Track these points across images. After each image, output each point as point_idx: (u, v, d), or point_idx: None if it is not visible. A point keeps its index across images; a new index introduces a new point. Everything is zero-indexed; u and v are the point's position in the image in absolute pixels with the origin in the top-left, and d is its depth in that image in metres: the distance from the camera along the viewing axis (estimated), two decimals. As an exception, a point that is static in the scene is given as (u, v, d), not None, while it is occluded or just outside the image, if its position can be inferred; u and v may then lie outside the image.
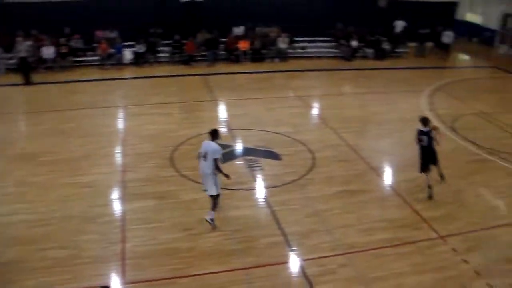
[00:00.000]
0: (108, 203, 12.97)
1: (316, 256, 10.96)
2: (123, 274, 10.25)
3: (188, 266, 10.47)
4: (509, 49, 33.06)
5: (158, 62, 26.63)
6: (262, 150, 16.28)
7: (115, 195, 13.38)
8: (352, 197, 13.52)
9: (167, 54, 27.06)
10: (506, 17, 33.45)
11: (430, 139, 13.17)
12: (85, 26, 26.10)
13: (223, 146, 15.48)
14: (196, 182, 13.84)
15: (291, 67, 27.11)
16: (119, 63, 25.67)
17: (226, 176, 11.74)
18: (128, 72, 25.07)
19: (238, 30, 28.34)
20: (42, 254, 10.76)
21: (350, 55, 29.12)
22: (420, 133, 13.32)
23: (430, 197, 13.48)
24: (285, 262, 10.84)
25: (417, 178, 14.50)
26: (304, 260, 10.85)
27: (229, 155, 15.78)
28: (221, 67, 26.57)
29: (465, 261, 10.85)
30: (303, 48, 29.43)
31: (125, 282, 10.08)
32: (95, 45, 26.30)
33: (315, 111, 20.49)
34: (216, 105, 20.62)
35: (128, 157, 15.56)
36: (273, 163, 15.49)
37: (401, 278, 10.19)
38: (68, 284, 9.93)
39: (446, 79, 25.85)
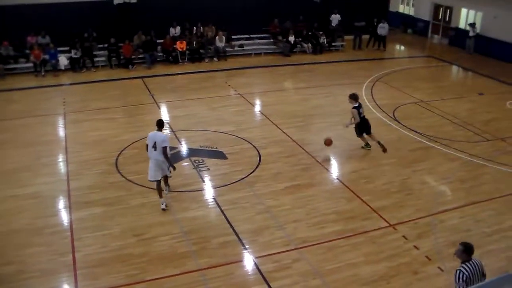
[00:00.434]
0: (54, 214, 12.62)
1: (269, 252, 11.04)
2: (75, 285, 10.02)
3: (142, 272, 10.34)
4: (442, 38, 34.10)
5: (96, 66, 26.05)
6: (207, 150, 16.22)
7: (61, 204, 13.04)
8: (301, 192, 13.65)
9: (104, 58, 26.51)
10: (436, 8, 34.45)
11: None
12: (14, 32, 25.28)
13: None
14: (143, 186, 13.73)
15: (230, 65, 27.10)
16: (55, 69, 24.96)
17: (173, 167, 12.78)
18: (65, 78, 24.41)
19: (175, 30, 28.08)
20: (-13, 271, 10.38)
21: (288, 50, 29.32)
22: (357, 107, 15.55)
23: (384, 150, 15.75)
24: (239, 261, 10.86)
25: (363, 169, 14.85)
26: (258, 257, 10.90)
27: (174, 157, 15.62)
28: (160, 69, 26.26)
29: (416, 248, 11.18)
30: (241, 46, 29.43)
31: (78, 293, 9.87)
32: (27, 51, 25.49)
33: (257, 108, 20.54)
34: (158, 108, 20.37)
35: (72, 165, 15.17)
36: (220, 162, 15.45)
37: (356, 269, 10.36)
38: (17, 300, 9.65)
39: (384, 70, 26.42)
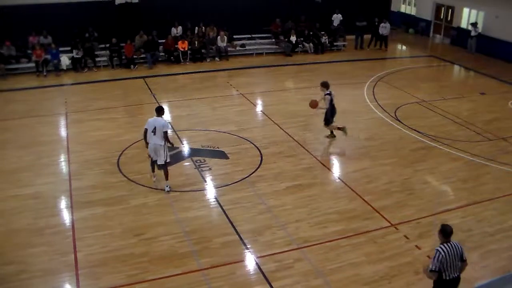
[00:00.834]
0: (56, 214, 12.61)
1: (271, 252, 11.01)
2: (77, 284, 10.01)
3: (143, 272, 10.32)
4: (444, 38, 34.07)
5: (97, 66, 26.06)
6: (209, 150, 16.21)
7: (62, 204, 13.04)
8: (303, 192, 13.64)
9: (105, 58, 26.52)
10: (438, 7, 34.43)
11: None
12: (16, 32, 25.29)
13: (170, 148, 15.39)
14: (145, 186, 13.74)
15: (232, 65, 27.10)
16: (57, 69, 24.97)
17: (172, 144, 14.10)
18: (66, 78, 24.44)
19: (177, 30, 28.08)
20: (-12, 272, 10.39)
21: (290, 50, 29.31)
22: (329, 94, 16.20)
23: (345, 132, 16.66)
24: (241, 261, 10.84)
25: (365, 168, 14.84)
26: (260, 257, 10.88)
27: (176, 157, 15.64)
28: (162, 69, 26.27)
29: (418, 247, 11.16)
30: (242, 45, 29.45)
31: (79, 292, 9.86)
32: (29, 51, 25.52)
33: (259, 108, 20.54)
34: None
35: (73, 165, 15.17)
36: (221, 162, 15.44)
37: (357, 269, 10.34)
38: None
39: (386, 69, 26.43)
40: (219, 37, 27.96)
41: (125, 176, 14.41)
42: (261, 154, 15.87)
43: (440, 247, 8.11)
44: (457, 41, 32.25)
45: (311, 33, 30.26)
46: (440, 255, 8.01)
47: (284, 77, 25.66)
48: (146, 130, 13.16)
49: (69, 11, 26.15)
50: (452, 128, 18.24)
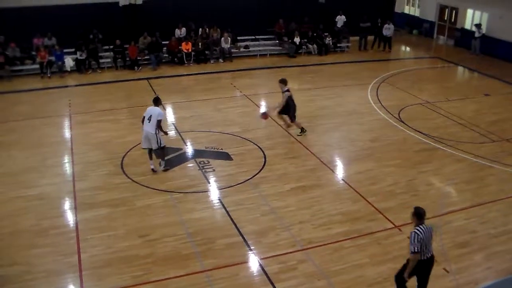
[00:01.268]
0: (60, 215, 12.65)
1: (275, 253, 11.01)
2: (81, 285, 10.04)
3: (147, 273, 10.35)
4: (447, 39, 34.04)
5: (101, 68, 26.12)
6: (212, 151, 16.23)
7: (67, 205, 13.08)
8: (306, 193, 13.64)
9: (109, 60, 26.58)
10: (442, 8, 34.39)
11: None
12: (21, 33, 25.37)
13: (173, 150, 15.44)
14: (149, 187, 13.77)
15: (236, 66, 27.12)
16: (61, 71, 25.03)
17: (166, 133, 14.81)
18: (70, 80, 24.50)
19: (180, 32, 28.12)
20: (-8, 272, 10.42)
21: (294, 51, 29.32)
22: (288, 91, 16.86)
23: (304, 130, 17.27)
24: (245, 262, 10.85)
25: (368, 170, 14.85)
26: (264, 258, 10.88)
27: (180, 158, 15.68)
28: (166, 70, 26.30)
29: (421, 249, 11.12)
30: (246, 47, 29.46)
31: (83, 293, 9.89)
32: (33, 53, 25.60)
33: (263, 109, 20.52)
34: (164, 109, 20.32)
35: (78, 166, 15.21)
36: (225, 163, 15.46)
37: (362, 270, 10.33)
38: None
39: (390, 71, 26.42)
40: (222, 38, 27.98)
41: (129, 177, 14.43)
42: (264, 155, 15.88)
43: (417, 229, 8.52)
44: (461, 42, 32.20)
45: (314, 34, 30.25)
46: (419, 236, 8.43)
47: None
48: (143, 118, 14.22)
49: (73, 13, 26.14)
50: (456, 129, 18.22)
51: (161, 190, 13.67)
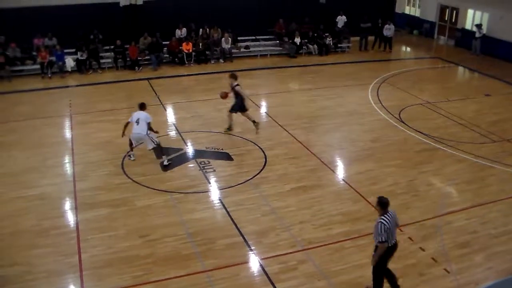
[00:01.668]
0: (60, 215, 12.66)
1: (275, 254, 11.03)
2: (81, 286, 10.04)
3: (148, 273, 10.35)
4: (448, 39, 34.03)
5: (102, 68, 26.13)
6: (213, 151, 16.24)
7: (67, 206, 13.08)
8: (307, 193, 13.64)
9: (110, 60, 26.59)
10: (443, 9, 34.37)
11: None
12: (22, 34, 25.37)
13: (174, 150, 15.45)
14: (149, 187, 13.77)
15: (236, 67, 27.02)
16: (61, 71, 25.04)
17: (156, 132, 15.35)
18: (71, 80, 24.50)
19: (181, 32, 28.13)
20: (-8, 272, 10.43)
21: (294, 52, 29.31)
22: (238, 85, 17.07)
23: (256, 124, 17.52)
24: (245, 262, 10.86)
25: (369, 170, 14.85)
26: (264, 258, 10.89)
27: (180, 158, 15.69)
28: (166, 71, 26.30)
29: (422, 249, 11.16)
30: (246, 47, 29.47)
31: (84, 294, 9.90)
32: (34, 53, 25.61)
33: (263, 109, 20.54)
34: (164, 109, 20.43)
35: (78, 166, 15.22)
36: (225, 164, 15.47)
37: (362, 270, 10.30)
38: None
39: (390, 71, 26.43)
40: (223, 38, 27.99)
41: (129, 177, 14.44)
42: (265, 155, 15.88)
43: (383, 219, 8.88)
44: (462, 42, 32.20)
45: (315, 34, 30.27)
46: (385, 226, 8.80)
47: (288, 78, 25.66)
48: (127, 123, 15.01)
49: (74, 13, 26.14)
50: (457, 129, 18.22)
51: (162, 190, 13.68)
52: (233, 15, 29.02)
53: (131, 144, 15.24)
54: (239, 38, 29.27)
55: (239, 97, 17.25)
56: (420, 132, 17.74)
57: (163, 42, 27.39)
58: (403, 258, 10.79)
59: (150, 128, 14.86)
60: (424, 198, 13.41)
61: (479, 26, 29.69)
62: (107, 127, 18.23)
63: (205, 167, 15.14)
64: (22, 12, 25.28)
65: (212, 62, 27.96)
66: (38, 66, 24.97)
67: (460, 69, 28.12)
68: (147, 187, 13.87)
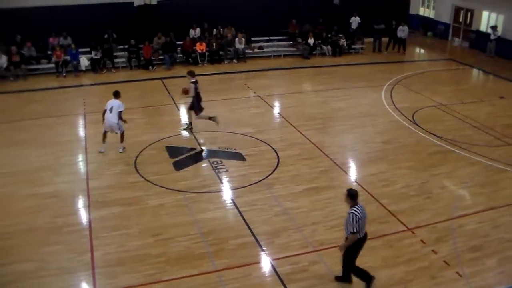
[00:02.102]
0: (73, 213, 12.74)
1: (287, 254, 11.01)
2: (93, 283, 10.10)
3: (160, 272, 10.39)
4: (462, 41, 33.83)
5: (116, 67, 26.28)
6: (226, 151, 16.26)
7: (80, 204, 13.18)
8: (319, 194, 13.62)
9: (124, 59, 26.73)
10: (457, 10, 34.17)
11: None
12: (37, 33, 25.57)
13: (187, 149, 15.48)
14: (162, 186, 13.82)
15: (250, 67, 27.14)
16: (76, 70, 25.21)
17: (125, 121, 15.87)
18: (85, 79, 24.67)
19: (195, 32, 28.20)
20: (6, 269, 10.53)
21: (308, 53, 29.28)
22: (195, 83, 17.37)
23: (217, 122, 17.50)
24: (257, 263, 10.86)
25: (381, 172, 14.80)
26: (276, 259, 10.89)
27: (193, 158, 15.73)
28: (180, 70, 26.28)
29: (434, 252, 11.08)
30: (260, 48, 29.50)
31: (96, 291, 9.95)
32: (49, 52, 25.82)
33: (276, 110, 20.56)
34: (177, 109, 20.50)
35: (91, 164, 15.32)
36: (238, 164, 15.48)
37: (373, 272, 10.21)
38: (36, 297, 9.75)
39: (404, 73, 26.30)
40: (237, 39, 28.04)
41: (142, 176, 14.50)
42: (278, 156, 15.88)
43: (354, 210, 9.18)
44: (476, 44, 31.99)
45: (329, 35, 30.23)
46: (357, 216, 9.08)
47: (301, 79, 25.66)
48: (104, 111, 15.62)
49: (89, 12, 26.36)
50: (470, 132, 18.10)
51: (174, 190, 13.72)
52: (247, 15, 29.06)
53: (104, 136, 15.89)
54: (252, 38, 29.30)
55: (195, 94, 17.57)
56: (433, 134, 17.65)
57: (177, 42, 27.50)
58: (415, 261, 10.75)
59: (120, 117, 15.55)
60: (437, 201, 13.33)
61: (494, 28, 29.50)
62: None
63: (218, 167, 15.16)
64: (38, 11, 25.48)
65: (226, 62, 28.03)
66: (53, 65, 25.21)
67: (475, 71, 27.93)
68: (159, 186, 13.92)
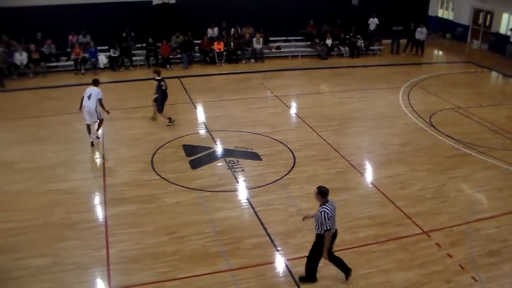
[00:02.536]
0: (89, 209, 12.81)
1: (301, 255, 10.88)
2: (108, 279, 10.14)
3: (174, 270, 10.41)
4: (481, 43, 33.54)
5: (134, 66, 26.43)
6: (242, 151, 16.26)
7: (96, 200, 13.24)
8: (335, 196, 13.35)
9: (142, 58, 26.85)
10: (477, 12, 33.89)
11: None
12: (57, 31, 25.81)
13: (203, 148, 15.51)
14: (178, 185, 13.86)
15: (267, 67, 27.13)
16: (94, 68, 25.40)
17: (107, 111, 16.33)
18: (103, 77, 24.70)
19: (213, 31, 28.27)
20: (22, 263, 10.62)
21: (326, 53, 29.21)
22: (160, 81, 17.94)
23: (172, 120, 18.16)
24: (271, 263, 10.84)
25: (398, 174, 14.70)
26: (290, 259, 10.86)
27: (209, 157, 15.75)
28: (197, 69, 26.46)
29: (450, 256, 10.97)
30: (278, 48, 29.48)
31: (111, 287, 9.98)
32: (68, 50, 26.04)
33: (293, 110, 20.53)
34: (194, 107, 20.55)
35: (108, 162, 15.41)
36: (254, 163, 15.47)
37: (388, 275, 10.23)
38: (50, 291, 9.82)
39: (422, 75, 26.10)
40: (254, 39, 28.05)
41: (158, 174, 14.55)
42: (294, 156, 15.85)
43: (325, 208, 9.20)
44: (496, 46, 31.70)
45: (347, 36, 30.14)
46: (329, 214, 9.14)
47: (319, 80, 25.60)
48: (82, 97, 16.16)
49: (107, 11, 26.58)
50: (488, 135, 17.93)
51: (190, 188, 13.75)
52: (265, 15, 29.07)
53: (88, 129, 16.36)
54: (270, 38, 29.29)
55: (160, 93, 18.12)
56: (451, 137, 17.50)
57: (195, 41, 27.56)
58: (430, 264, 10.66)
59: (101, 104, 16.09)
60: (453, 204, 13.22)
61: (514, 30, 29.25)
62: (137, 124, 18.43)
63: (234, 166, 15.17)
64: (58, 9, 25.77)
65: (243, 62, 28.05)
66: (71, 63, 25.45)
67: (493, 74, 27.66)
68: (175, 184, 13.95)
